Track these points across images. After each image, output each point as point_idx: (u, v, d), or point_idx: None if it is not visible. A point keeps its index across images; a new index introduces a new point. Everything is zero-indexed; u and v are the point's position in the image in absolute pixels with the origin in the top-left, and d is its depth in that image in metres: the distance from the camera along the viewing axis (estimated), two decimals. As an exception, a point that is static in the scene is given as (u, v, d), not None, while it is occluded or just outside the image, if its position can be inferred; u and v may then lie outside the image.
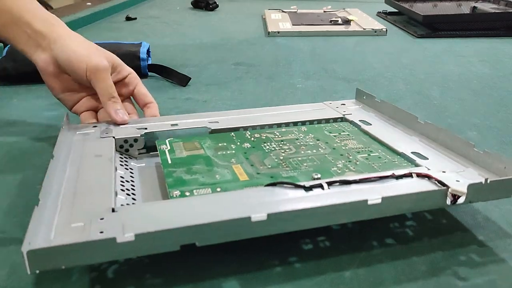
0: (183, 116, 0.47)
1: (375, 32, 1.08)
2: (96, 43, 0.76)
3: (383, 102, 0.49)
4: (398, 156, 0.39)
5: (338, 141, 0.42)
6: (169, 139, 0.41)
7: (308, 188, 0.31)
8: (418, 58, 0.87)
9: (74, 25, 1.10)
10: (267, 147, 0.41)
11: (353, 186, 0.32)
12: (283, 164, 0.37)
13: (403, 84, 0.71)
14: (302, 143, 0.42)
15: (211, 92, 0.67)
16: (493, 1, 1.25)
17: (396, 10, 1.31)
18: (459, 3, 1.30)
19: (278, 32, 1.06)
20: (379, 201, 0.29)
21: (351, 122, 0.47)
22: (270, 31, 1.06)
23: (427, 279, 0.29)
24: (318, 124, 0.47)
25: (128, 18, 1.24)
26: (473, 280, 0.29)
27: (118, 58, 0.49)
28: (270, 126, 0.46)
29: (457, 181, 0.32)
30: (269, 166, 0.37)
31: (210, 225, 0.26)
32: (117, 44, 0.75)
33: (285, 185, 0.32)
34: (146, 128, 0.43)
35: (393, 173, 0.33)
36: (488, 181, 0.31)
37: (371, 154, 0.40)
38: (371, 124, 0.46)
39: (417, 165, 0.37)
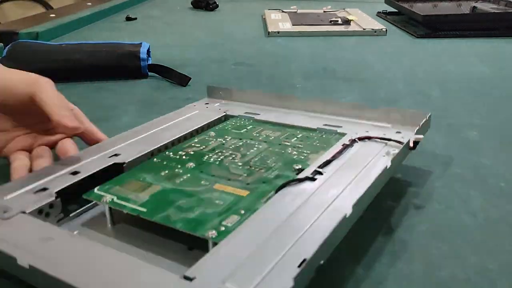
0: (70, 160, 0.38)
1: (375, 32, 1.08)
2: (96, 43, 0.76)
3: (250, 91, 0.51)
4: (317, 132, 0.43)
5: (257, 135, 0.43)
6: (97, 188, 0.33)
7: (312, 179, 0.33)
8: (418, 58, 0.87)
9: (74, 25, 1.10)
10: (212, 160, 0.38)
11: (334, 163, 0.35)
12: (252, 168, 0.37)
13: (403, 84, 0.71)
14: (233, 145, 0.41)
15: (211, 92, 0.67)
16: (493, 1, 1.25)
17: (396, 10, 1.31)
18: (459, 3, 1.30)
19: (278, 32, 1.06)
20: (390, 163, 0.34)
21: (239, 117, 0.48)
22: (270, 31, 1.06)
23: (427, 279, 0.29)
24: (216, 126, 0.46)
25: (128, 18, 1.24)
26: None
27: None
28: (177, 141, 0.43)
29: (384, 134, 0.40)
30: (245, 175, 0.35)
31: (328, 238, 0.26)
32: (117, 44, 0.75)
33: (292, 184, 0.32)
34: (45, 189, 0.33)
35: (343, 144, 0.38)
36: (421, 124, 0.40)
37: (299, 136, 0.42)
38: (259, 114, 0.48)
39: (341, 133, 0.42)
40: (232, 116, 0.48)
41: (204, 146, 0.41)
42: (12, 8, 2.19)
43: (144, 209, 0.31)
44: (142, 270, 0.25)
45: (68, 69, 0.71)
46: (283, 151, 0.39)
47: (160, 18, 1.30)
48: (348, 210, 0.28)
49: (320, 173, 0.34)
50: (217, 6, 1.43)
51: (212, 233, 0.28)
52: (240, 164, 0.37)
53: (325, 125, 0.44)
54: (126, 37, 1.01)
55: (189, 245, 0.30)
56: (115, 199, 0.32)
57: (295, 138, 0.42)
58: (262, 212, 0.29)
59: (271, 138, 0.42)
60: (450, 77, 0.74)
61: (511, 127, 0.54)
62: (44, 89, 0.39)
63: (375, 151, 0.37)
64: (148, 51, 0.76)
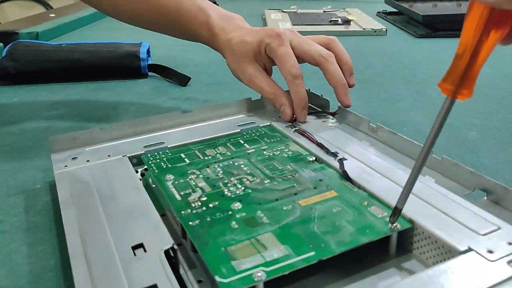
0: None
1: (375, 32, 1.08)
2: (96, 43, 0.76)
3: (115, 125, 0.45)
4: (245, 132, 0.45)
5: (210, 157, 0.40)
6: (219, 276, 0.26)
7: (344, 158, 0.37)
8: (418, 58, 0.87)
9: (74, 25, 1.10)
10: (240, 192, 0.34)
11: (322, 143, 0.40)
12: (284, 179, 0.35)
13: (403, 84, 0.71)
14: (219, 174, 0.37)
15: (211, 92, 0.67)
16: (493, 1, 1.25)
17: (396, 10, 1.31)
18: (459, 3, 1.30)
19: (278, 32, 1.06)
20: None
21: (149, 153, 0.41)
22: (270, 31, 1.06)
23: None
24: (155, 173, 0.37)
25: (128, 18, 1.24)
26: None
27: None
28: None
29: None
30: (295, 185, 0.35)
31: None
32: (117, 44, 0.75)
33: (343, 167, 0.36)
34: None
35: (295, 130, 0.44)
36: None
37: (247, 141, 0.43)
38: (163, 142, 0.43)
39: (266, 126, 0.46)
40: (137, 156, 0.41)
41: (197, 189, 0.35)
42: (12, 8, 2.19)
43: (311, 253, 0.27)
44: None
45: (68, 69, 0.71)
46: (267, 156, 0.40)
47: (160, 18, 1.30)
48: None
49: (337, 154, 0.38)
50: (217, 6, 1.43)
51: (395, 226, 0.29)
52: (267, 182, 0.35)
53: (239, 125, 0.46)
54: (126, 37, 1.01)
55: (357, 258, 0.29)
56: (264, 269, 0.26)
57: (249, 143, 0.42)
58: (385, 189, 0.33)
59: (229, 154, 0.40)
60: (450, 77, 0.74)
61: (511, 127, 0.54)
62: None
63: (323, 124, 0.46)
64: (148, 51, 0.76)
